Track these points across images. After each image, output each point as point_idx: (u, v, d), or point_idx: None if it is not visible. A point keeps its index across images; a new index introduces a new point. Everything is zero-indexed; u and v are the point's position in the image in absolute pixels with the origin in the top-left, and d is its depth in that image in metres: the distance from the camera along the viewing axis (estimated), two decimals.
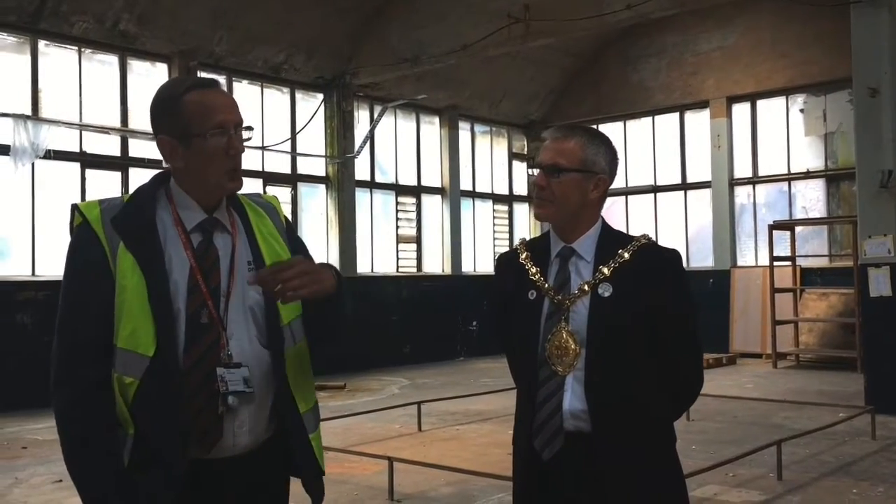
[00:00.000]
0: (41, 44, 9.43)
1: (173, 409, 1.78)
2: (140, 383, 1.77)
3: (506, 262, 2.34)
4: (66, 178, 9.48)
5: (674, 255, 2.20)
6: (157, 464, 1.77)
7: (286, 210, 11.72)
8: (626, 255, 2.14)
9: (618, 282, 2.11)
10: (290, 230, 2.10)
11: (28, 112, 9.16)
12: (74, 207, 1.88)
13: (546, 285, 2.17)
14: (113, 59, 10.06)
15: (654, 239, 2.22)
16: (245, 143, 1.93)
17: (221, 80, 11.01)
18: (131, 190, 2.03)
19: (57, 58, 9.61)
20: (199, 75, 10.53)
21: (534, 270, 2.20)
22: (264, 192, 11.33)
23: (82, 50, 9.77)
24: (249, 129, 1.94)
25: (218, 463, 1.84)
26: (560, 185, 2.13)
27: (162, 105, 1.90)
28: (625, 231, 2.29)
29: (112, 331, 1.79)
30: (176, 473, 1.77)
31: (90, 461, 1.78)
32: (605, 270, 2.13)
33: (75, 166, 9.60)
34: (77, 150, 9.63)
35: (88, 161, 9.69)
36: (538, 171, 2.16)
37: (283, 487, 2.02)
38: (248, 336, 1.90)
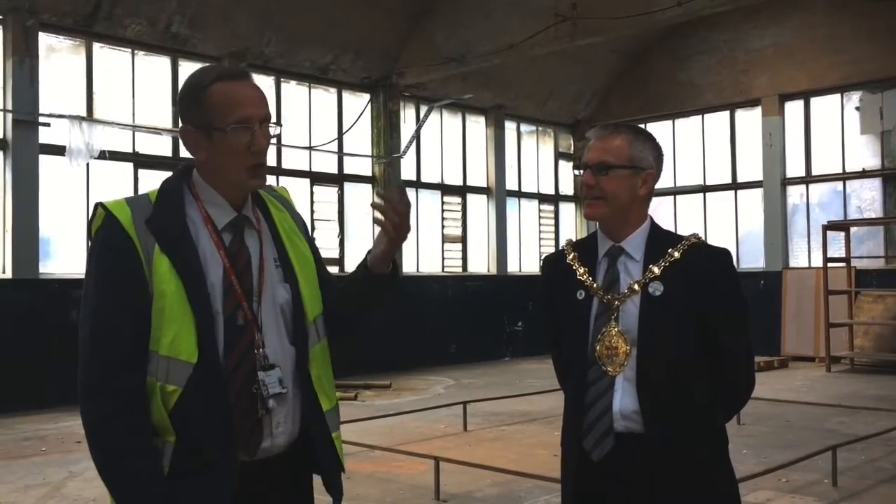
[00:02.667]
0: (96, 46, 9.65)
1: (220, 416, 1.74)
2: (183, 391, 1.72)
3: (552, 262, 2.33)
4: (119, 178, 9.68)
5: (725, 254, 2.18)
6: (203, 471, 1.73)
7: (333, 210, 11.85)
8: (677, 254, 2.12)
9: (668, 281, 2.09)
10: (304, 225, 2.07)
11: (83, 113, 9.38)
12: (100, 206, 1.80)
13: (594, 285, 2.15)
14: (165, 61, 10.24)
15: (703, 238, 2.20)
16: (273, 140, 1.88)
17: (270, 80, 11.16)
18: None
19: (111, 60, 9.82)
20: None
21: (581, 270, 2.19)
22: (311, 192, 11.49)
23: (135, 52, 9.97)
24: (276, 124, 1.88)
25: (256, 464, 1.81)
26: (609, 183, 2.12)
27: (188, 94, 1.83)
28: (673, 231, 2.26)
29: (148, 337, 1.73)
30: (229, 480, 1.73)
31: (132, 473, 1.71)
32: (656, 269, 2.10)
33: (128, 166, 9.80)
34: (130, 150, 9.84)
35: (141, 161, 9.89)
36: (586, 170, 2.15)
37: (310, 485, 1.98)
38: (279, 335, 1.87)
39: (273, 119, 1.87)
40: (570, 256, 2.24)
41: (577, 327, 2.15)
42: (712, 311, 2.09)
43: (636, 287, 2.10)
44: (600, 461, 2.08)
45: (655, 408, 2.05)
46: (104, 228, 1.78)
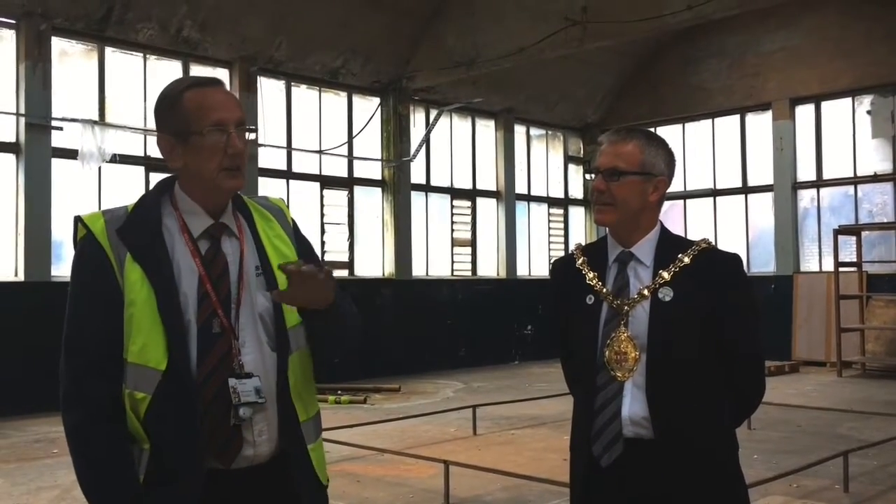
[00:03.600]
0: (108, 50, 9.71)
1: (188, 423, 1.74)
2: (152, 398, 1.73)
3: (562, 267, 2.32)
4: (130, 182, 9.73)
5: (735, 259, 2.18)
6: (174, 478, 1.73)
7: (343, 214, 11.86)
8: (687, 260, 2.12)
9: (678, 286, 2.09)
10: (297, 231, 2.05)
11: (95, 117, 9.43)
12: (78, 220, 1.83)
13: (604, 290, 2.15)
14: (176, 65, 10.29)
15: (713, 243, 2.19)
16: (248, 143, 1.89)
17: (280, 84, 11.20)
18: None
19: (122, 64, 9.87)
20: (259, 81, 10.73)
21: (591, 275, 2.19)
22: (321, 195, 11.52)
23: (147, 56, 10.02)
24: (251, 129, 1.90)
25: (239, 473, 1.80)
26: (620, 189, 2.12)
27: (162, 103, 1.87)
28: (683, 235, 2.26)
29: (122, 345, 1.75)
30: (193, 487, 1.73)
31: (105, 480, 1.74)
32: (666, 275, 2.10)
33: (140, 170, 9.85)
34: (142, 154, 9.88)
35: (152, 165, 9.92)
36: (597, 175, 2.15)
37: (305, 495, 1.90)
38: (259, 343, 1.85)
39: (248, 124, 1.89)
40: (580, 261, 2.24)
41: (587, 332, 2.15)
42: (723, 315, 2.09)
43: (646, 292, 2.10)
44: (609, 466, 2.08)
45: (665, 413, 2.05)
46: (82, 242, 1.83)
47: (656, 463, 2.04)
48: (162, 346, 1.74)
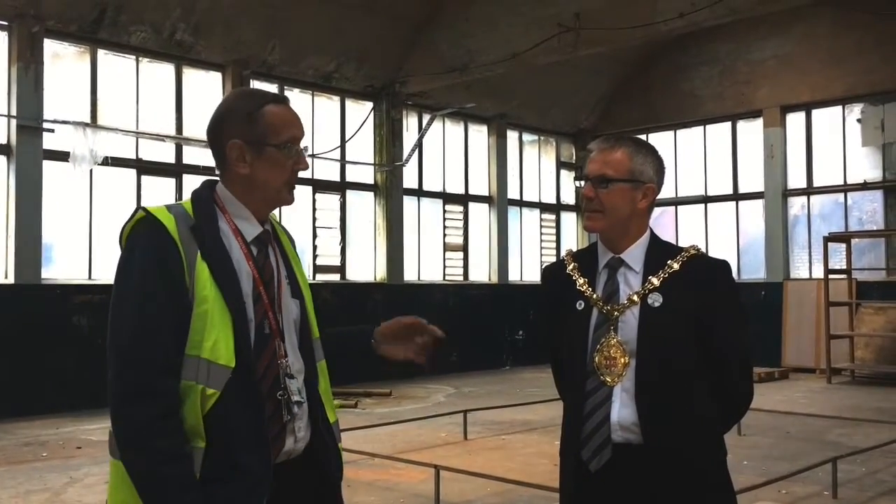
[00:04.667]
0: (100, 53, 9.69)
1: (255, 420, 1.80)
2: (221, 395, 1.76)
3: (552, 273, 2.34)
4: (122, 185, 9.71)
5: (724, 265, 2.20)
6: (238, 475, 1.76)
7: (335, 217, 11.88)
8: (676, 266, 2.14)
9: (668, 292, 2.10)
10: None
11: (87, 119, 9.40)
12: (144, 211, 1.83)
13: (594, 296, 2.17)
14: (169, 68, 10.28)
15: (703, 250, 2.21)
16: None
17: (273, 88, 11.18)
18: (185, 196, 2.02)
19: (115, 66, 9.85)
20: (252, 84, 10.72)
21: (581, 281, 2.20)
22: (313, 199, 11.52)
23: (139, 59, 10.00)
24: (306, 148, 2.00)
25: (277, 466, 1.86)
26: (609, 196, 2.13)
27: (240, 111, 1.92)
28: (674, 242, 2.28)
29: (185, 342, 1.77)
30: (264, 483, 1.78)
31: (173, 477, 1.71)
32: (655, 281, 2.12)
33: (131, 173, 9.83)
34: (133, 157, 9.86)
35: (144, 168, 9.91)
36: (586, 182, 2.16)
37: (337, 484, 2.03)
38: (294, 347, 1.95)
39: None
40: (570, 267, 2.25)
41: (577, 337, 2.16)
42: (711, 321, 2.11)
43: (635, 298, 2.12)
44: (598, 471, 2.09)
45: (653, 418, 2.06)
46: (149, 232, 1.81)
47: (645, 468, 2.05)
48: (231, 344, 1.79)
